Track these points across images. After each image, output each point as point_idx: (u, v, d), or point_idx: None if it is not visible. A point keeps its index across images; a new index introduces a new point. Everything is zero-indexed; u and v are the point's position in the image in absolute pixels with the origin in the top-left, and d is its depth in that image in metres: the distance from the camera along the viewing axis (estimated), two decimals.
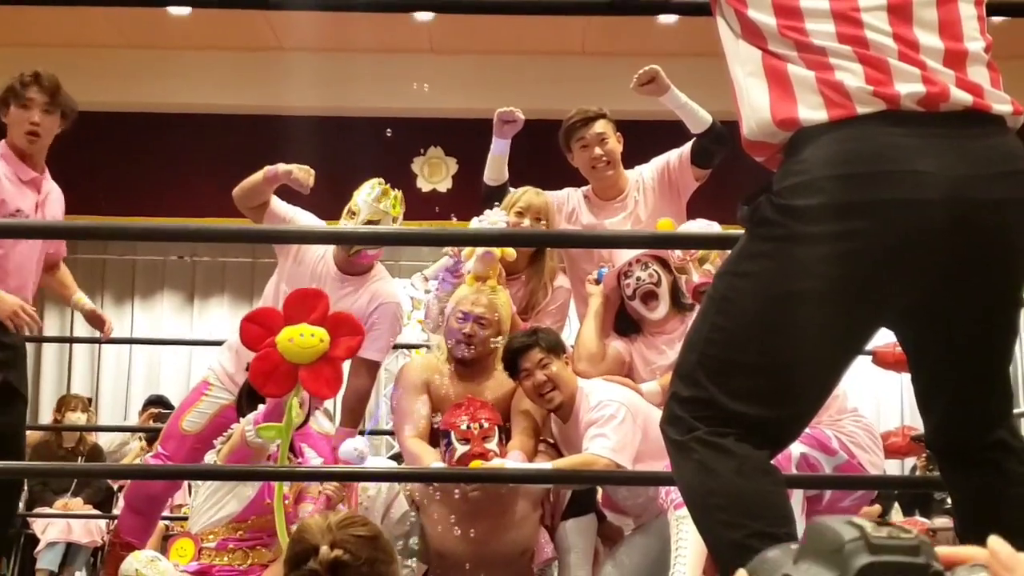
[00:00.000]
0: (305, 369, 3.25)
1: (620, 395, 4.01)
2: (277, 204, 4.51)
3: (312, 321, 3.27)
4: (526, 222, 4.45)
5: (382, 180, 4.49)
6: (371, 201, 4.39)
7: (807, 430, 3.71)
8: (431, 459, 3.94)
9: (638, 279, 4.37)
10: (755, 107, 2.20)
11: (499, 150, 4.68)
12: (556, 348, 4.08)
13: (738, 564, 2.06)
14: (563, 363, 4.08)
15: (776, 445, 2.21)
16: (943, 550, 1.02)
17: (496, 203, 4.55)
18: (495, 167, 4.70)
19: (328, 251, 4.49)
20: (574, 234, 4.55)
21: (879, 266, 2.06)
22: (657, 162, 4.67)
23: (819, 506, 3.75)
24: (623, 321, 4.51)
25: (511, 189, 4.63)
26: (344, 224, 4.38)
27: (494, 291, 4.20)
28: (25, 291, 4.42)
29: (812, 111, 2.11)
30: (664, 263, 4.41)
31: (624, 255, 4.43)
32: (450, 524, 3.93)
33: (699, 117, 4.49)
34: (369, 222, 4.35)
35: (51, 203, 4.59)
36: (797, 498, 3.59)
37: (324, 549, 2.35)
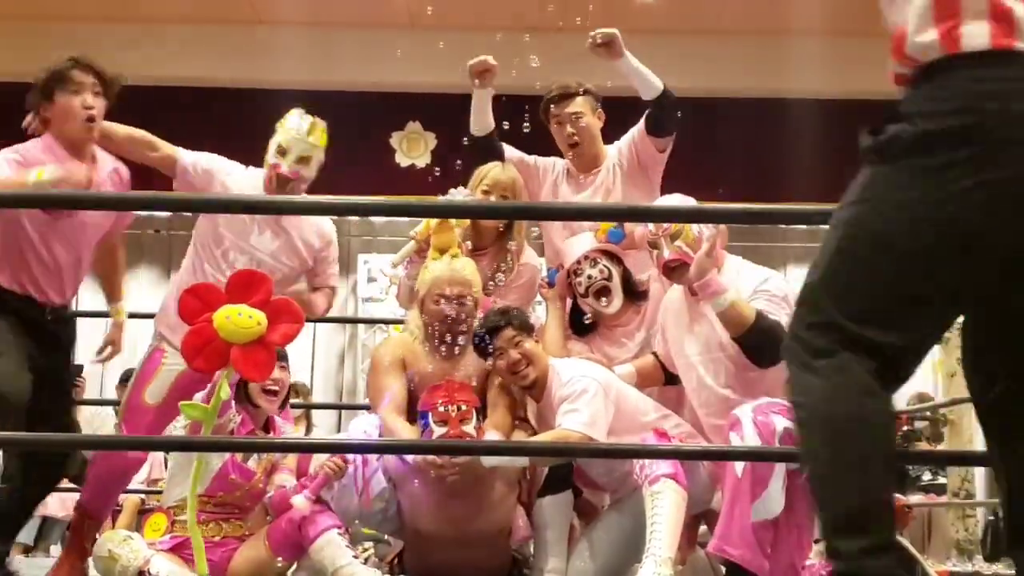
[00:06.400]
0: (238, 349, 3.22)
1: (592, 371, 4.02)
2: (192, 161, 4.51)
3: (253, 303, 3.25)
4: (492, 199, 4.44)
5: (303, 111, 4.50)
6: (302, 137, 4.40)
7: (786, 403, 3.73)
8: (408, 435, 3.94)
9: (589, 276, 4.37)
10: (913, 18, 2.19)
11: (478, 97, 4.65)
12: (527, 327, 4.09)
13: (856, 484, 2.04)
14: (534, 341, 4.09)
15: (896, 374, 2.19)
16: None
17: (484, 154, 4.60)
18: (477, 115, 4.67)
19: (254, 187, 4.51)
20: (543, 206, 4.54)
21: (1015, 208, 2.06)
22: (625, 138, 4.66)
23: (799, 479, 3.75)
24: (577, 321, 4.51)
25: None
26: (275, 160, 4.40)
27: (461, 261, 4.18)
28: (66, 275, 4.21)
29: (974, 34, 2.12)
30: (613, 257, 4.40)
31: (572, 255, 4.42)
32: (427, 504, 3.92)
33: (650, 83, 4.47)
34: (300, 159, 4.39)
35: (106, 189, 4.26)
36: (780, 471, 3.60)
37: None
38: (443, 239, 4.22)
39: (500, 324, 4.04)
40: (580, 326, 4.48)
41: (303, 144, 4.40)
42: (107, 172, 4.33)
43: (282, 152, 4.39)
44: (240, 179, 4.51)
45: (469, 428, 3.85)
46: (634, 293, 4.42)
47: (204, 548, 3.59)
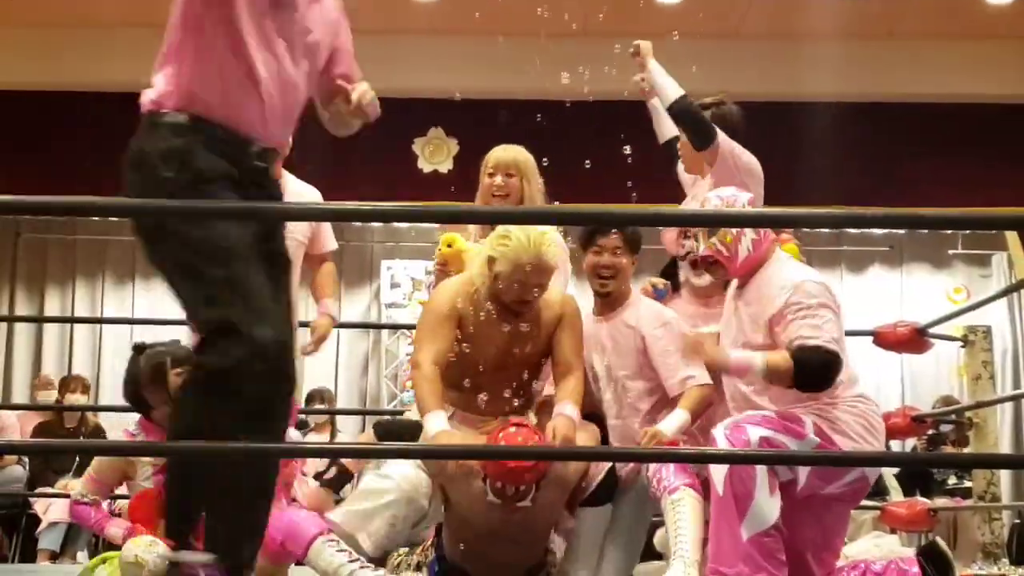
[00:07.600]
0: None
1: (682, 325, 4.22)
2: None
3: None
4: (499, 179, 4.45)
5: None
6: None
7: (771, 413, 3.65)
8: (435, 407, 3.80)
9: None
10: None
11: (651, 111, 4.86)
12: (635, 245, 4.23)
13: None
14: (631, 263, 4.22)
15: None
16: None
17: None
18: (656, 127, 4.89)
19: None
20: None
21: None
22: None
23: (795, 491, 3.62)
24: (671, 275, 4.61)
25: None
26: None
27: (547, 242, 3.94)
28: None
29: None
30: None
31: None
32: (480, 501, 3.83)
33: (664, 95, 4.47)
34: None
35: None
36: (762, 480, 3.52)
37: None
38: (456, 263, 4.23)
39: (614, 228, 4.16)
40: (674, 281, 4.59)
41: None
42: None
43: None
44: None
45: (524, 503, 3.79)
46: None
47: None
